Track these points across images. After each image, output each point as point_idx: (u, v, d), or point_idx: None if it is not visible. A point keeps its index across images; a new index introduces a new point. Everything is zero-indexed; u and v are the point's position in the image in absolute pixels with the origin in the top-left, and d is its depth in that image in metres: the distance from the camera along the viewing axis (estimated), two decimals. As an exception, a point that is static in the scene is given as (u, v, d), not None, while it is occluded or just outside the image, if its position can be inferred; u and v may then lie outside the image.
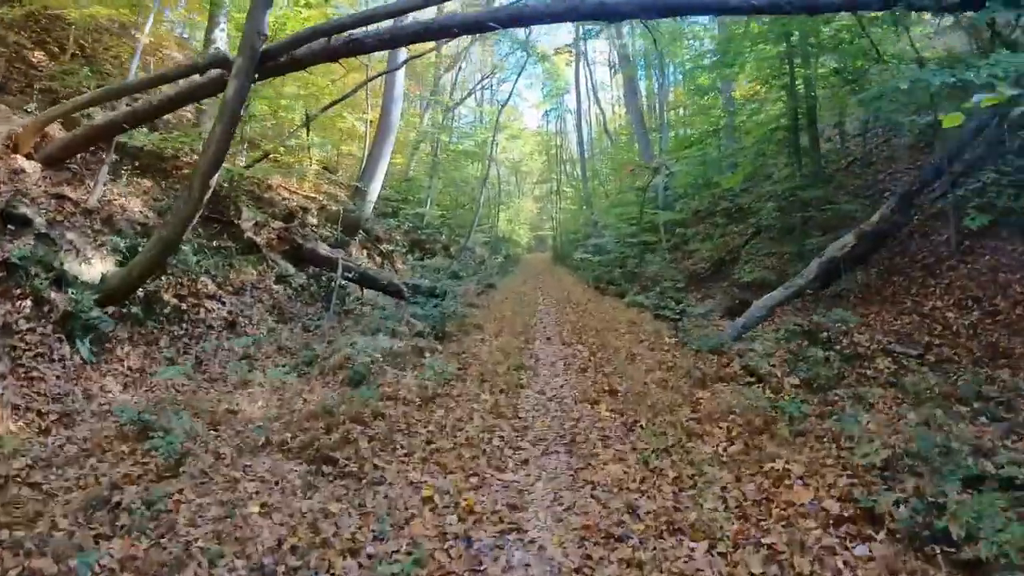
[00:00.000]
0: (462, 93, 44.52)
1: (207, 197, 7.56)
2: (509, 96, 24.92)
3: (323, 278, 13.61)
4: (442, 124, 26.07)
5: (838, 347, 7.49)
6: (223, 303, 10.87)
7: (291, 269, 13.16)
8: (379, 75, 16.04)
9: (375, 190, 16.44)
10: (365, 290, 13.68)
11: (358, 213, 16.11)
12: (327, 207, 16.84)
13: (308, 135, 15.56)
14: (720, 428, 5.45)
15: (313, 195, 17.13)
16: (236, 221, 12.43)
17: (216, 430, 5.54)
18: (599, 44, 46.37)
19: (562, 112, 47.07)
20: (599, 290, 17.36)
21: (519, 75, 25.16)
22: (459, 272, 22.47)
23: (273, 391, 7.72)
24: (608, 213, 24.63)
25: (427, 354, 8.24)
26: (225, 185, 12.79)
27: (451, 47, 29.97)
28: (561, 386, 7.14)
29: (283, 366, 9.51)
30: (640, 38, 24.15)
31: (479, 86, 44.98)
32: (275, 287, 12.37)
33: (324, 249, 13.52)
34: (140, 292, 8.53)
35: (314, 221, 16.48)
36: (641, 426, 5.56)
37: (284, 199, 15.68)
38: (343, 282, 13.36)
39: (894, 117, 11.65)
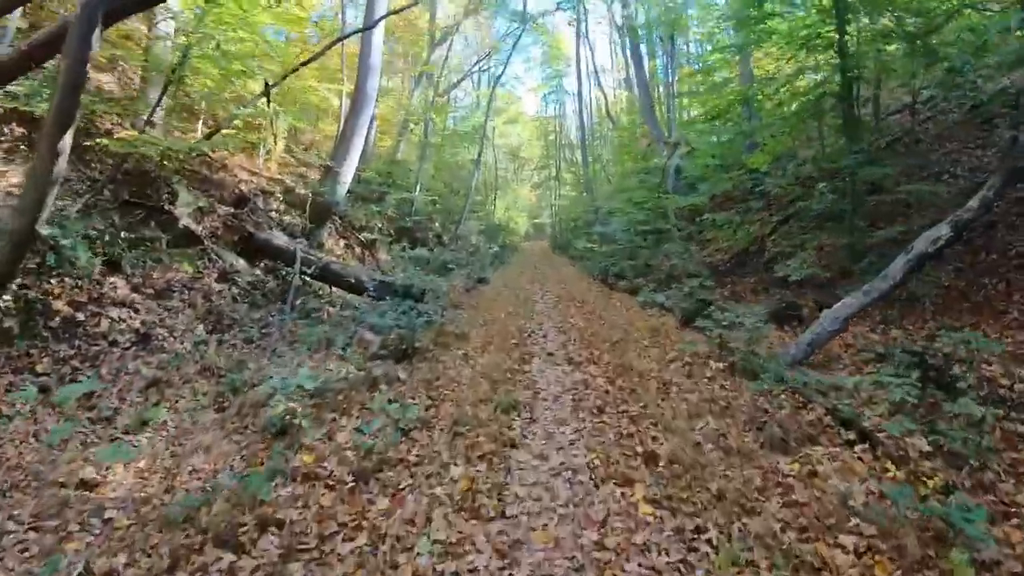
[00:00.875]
0: (457, 76, 42.09)
1: (60, 168, 5.18)
2: (504, 68, 22.48)
3: (281, 274, 11.28)
4: (432, 103, 23.56)
5: (965, 383, 5.14)
6: (136, 310, 8.54)
7: (240, 263, 10.82)
8: (352, 33, 13.55)
9: (349, 171, 14.03)
10: (336, 288, 11.36)
11: (329, 197, 13.71)
12: (294, 190, 14.44)
13: (269, 106, 13.11)
14: (844, 550, 3.13)
15: (278, 177, 14.72)
16: (167, 207, 10.04)
17: (37, 529, 3.28)
18: (600, 26, 43.81)
19: (561, 96, 44.54)
20: (606, 284, 15.03)
21: (515, 44, 22.67)
22: (449, 263, 20.10)
23: (173, 440, 5.49)
24: (614, 198, 22.26)
25: (383, 386, 5.90)
26: (166, 164, 10.47)
27: (443, 18, 27.42)
28: (572, 443, 4.79)
29: (202, 395, 7.25)
30: (648, 3, 21.64)
31: (475, 68, 42.46)
32: (215, 286, 10.03)
33: (280, 239, 11.15)
34: (9, 300, 6.25)
35: (279, 207, 14.10)
36: (712, 545, 3.23)
37: (241, 181, 13.27)
38: (304, 278, 11.02)
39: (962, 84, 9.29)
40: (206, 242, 10.49)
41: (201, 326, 9.03)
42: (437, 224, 25.85)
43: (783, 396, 5.50)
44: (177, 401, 7.13)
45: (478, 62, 42.33)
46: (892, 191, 9.31)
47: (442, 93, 36.26)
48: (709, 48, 24.79)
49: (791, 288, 10.55)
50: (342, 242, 16.81)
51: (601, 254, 17.15)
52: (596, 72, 37.15)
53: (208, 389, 7.22)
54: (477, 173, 19.16)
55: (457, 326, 8.93)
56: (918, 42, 9.75)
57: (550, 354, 7.67)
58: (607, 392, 6.01)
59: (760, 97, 13.22)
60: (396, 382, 6.06)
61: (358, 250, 17.51)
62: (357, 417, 5.15)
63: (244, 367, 7.73)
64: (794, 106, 12.38)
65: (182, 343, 8.41)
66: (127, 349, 7.93)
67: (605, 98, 36.34)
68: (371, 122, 21.53)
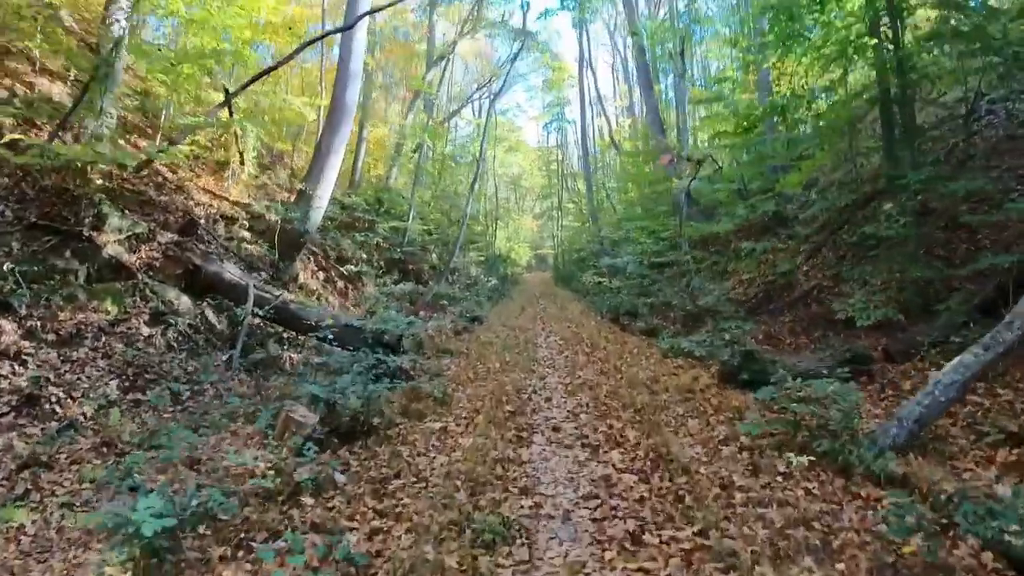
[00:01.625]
0: (458, 104, 40.79)
1: None
2: (503, 83, 20.81)
3: (233, 314, 9.39)
4: (428, 125, 21.94)
5: None
6: (25, 363, 6.67)
7: (183, 301, 8.94)
8: (328, 33, 11.92)
9: (325, 194, 12.25)
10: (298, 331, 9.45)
11: (301, 225, 11.90)
12: (264, 217, 12.63)
13: (232, 118, 11.40)
14: None
15: (245, 201, 12.93)
16: (87, 232, 8.21)
17: None
18: (602, 52, 42.71)
19: (563, 125, 43.15)
20: (617, 324, 13.09)
21: (515, 58, 21.07)
22: (442, 298, 18.20)
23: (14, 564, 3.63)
24: (622, 227, 20.49)
25: (308, 497, 3.93)
26: (94, 181, 8.70)
27: (443, 43, 26.03)
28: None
29: (89, 483, 5.50)
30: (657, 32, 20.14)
31: (476, 95, 41.20)
32: (145, 330, 8.15)
33: (232, 272, 9.28)
34: None
35: (245, 234, 12.28)
36: None
37: (198, 204, 11.48)
38: (256, 320, 9.13)
39: None
40: (140, 275, 8.64)
41: (115, 382, 7.13)
42: (434, 255, 24.06)
43: (911, 519, 3.53)
44: (54, 492, 5.22)
45: (479, 89, 41.16)
46: (956, 212, 7.44)
47: (442, 120, 34.96)
48: (721, 66, 23.31)
49: (842, 331, 8.67)
50: (321, 275, 14.97)
51: (610, 289, 15.25)
52: (600, 98, 35.76)
53: (100, 475, 5.32)
54: (471, 199, 17.39)
55: (437, 385, 6.97)
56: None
57: (556, 428, 5.69)
58: (641, 500, 4.05)
59: (790, 110, 11.46)
60: (332, 488, 4.09)
61: (341, 284, 15.66)
62: (251, 564, 3.18)
63: (158, 438, 5.81)
64: (831, 117, 10.62)
65: (82, 406, 6.51)
66: (2, 416, 6.04)
67: (609, 125, 34.90)
68: (360, 145, 19.94)
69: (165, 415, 6.88)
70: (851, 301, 8.18)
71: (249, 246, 12.43)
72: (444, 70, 23.67)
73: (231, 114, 11.04)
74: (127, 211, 9.36)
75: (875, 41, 9.20)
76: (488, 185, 42.40)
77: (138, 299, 8.43)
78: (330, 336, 7.64)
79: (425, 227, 22.77)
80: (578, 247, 35.16)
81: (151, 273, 8.96)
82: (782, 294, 12.26)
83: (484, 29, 22.72)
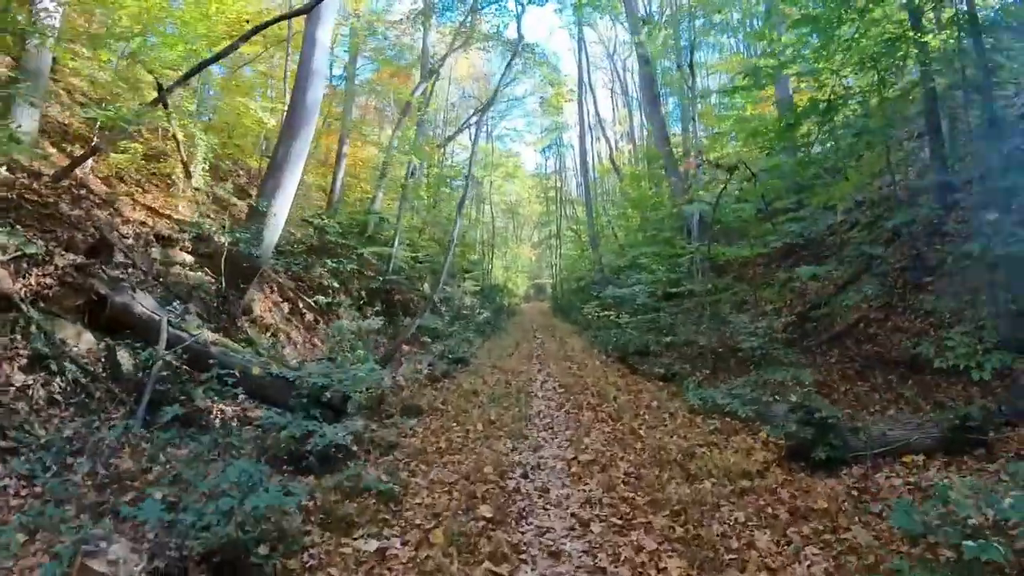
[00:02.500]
0: (453, 129, 39.31)
1: None
2: (495, 94, 19.02)
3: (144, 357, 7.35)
4: (416, 142, 20.16)
5: None
6: None
7: (84, 340, 6.94)
8: (285, 16, 10.11)
9: (282, 212, 10.33)
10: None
11: (253, 247, 9.95)
12: (213, 238, 10.69)
13: (171, 121, 9.56)
14: None
15: (196, 220, 10.99)
16: (-62, 251, 6.25)
17: None
18: (602, 76, 41.42)
19: (561, 150, 41.67)
20: (627, 365, 11.07)
21: (509, 63, 19.29)
22: (428, 329, 16.17)
23: None
24: (626, 254, 18.59)
25: None
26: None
27: (433, 48, 24.43)
28: None
29: None
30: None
31: (472, 120, 39.74)
32: (18, 378, 6.11)
33: (145, 305, 7.27)
34: None
35: (186, 258, 10.34)
36: None
37: (126, 221, 9.54)
38: (167, 363, 7.10)
39: None
40: (24, 306, 6.65)
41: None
42: (426, 285, 22.10)
43: None
44: None
45: (475, 114, 39.69)
46: None
47: (437, 146, 33.39)
48: (731, 79, 21.62)
49: (909, 375, 6.74)
50: (286, 306, 12.98)
51: (616, 324, 13.22)
52: (600, 121, 34.24)
53: None
54: (459, 220, 15.47)
55: (387, 469, 4.92)
56: None
57: (555, 553, 3.64)
58: None
59: (833, 109, 9.60)
60: None
61: (311, 317, 13.66)
62: None
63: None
64: (878, 118, 8.76)
65: None
66: None
67: (610, 148, 33.28)
68: (339, 162, 18.13)
69: (19, 499, 4.85)
70: (950, 340, 6.18)
71: (191, 273, 10.48)
72: (433, 85, 21.95)
73: (169, 114, 9.17)
74: (18, 225, 7.41)
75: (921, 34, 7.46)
76: (484, 212, 40.80)
77: (17, 336, 6.43)
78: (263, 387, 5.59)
79: (413, 254, 20.86)
80: (578, 276, 33.28)
81: (42, 304, 6.98)
82: (819, 329, 10.33)
83: (478, 42, 20.97)
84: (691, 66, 17.57)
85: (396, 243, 19.18)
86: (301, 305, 13.50)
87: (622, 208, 28.77)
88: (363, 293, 17.01)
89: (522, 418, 7.09)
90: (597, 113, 35.08)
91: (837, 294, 10.62)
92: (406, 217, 25.02)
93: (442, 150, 33.48)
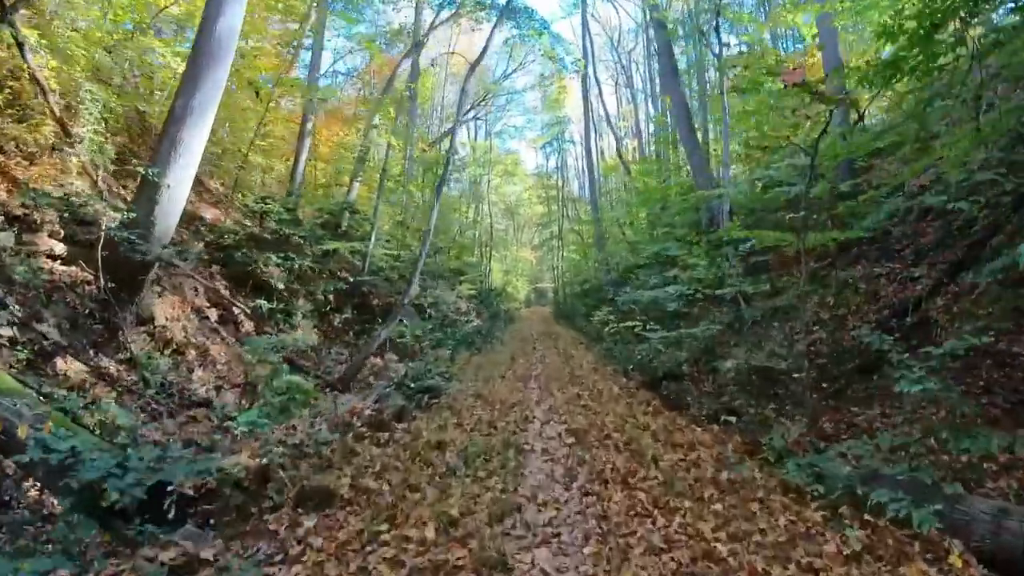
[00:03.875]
0: (448, 125, 36.38)
1: None
2: (485, 49, 15.81)
3: None
4: (397, 123, 17.17)
5: None
6: None
7: None
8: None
9: (182, 181, 7.33)
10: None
11: (145, 230, 6.97)
12: (96, 221, 7.69)
13: (22, 51, 6.60)
14: None
15: (79, 198, 7.97)
16: None
17: None
18: (604, 74, 38.43)
19: (563, 146, 38.52)
20: (657, 394, 8.03)
21: (495, 25, 16.14)
22: (406, 340, 13.16)
23: None
24: (642, 251, 15.57)
25: None
26: None
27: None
28: None
29: None
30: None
31: (469, 116, 36.85)
32: None
33: None
34: None
35: (55, 247, 7.35)
36: None
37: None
38: None
39: None
40: None
41: None
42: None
43: None
44: None
45: (471, 108, 36.74)
46: None
47: (431, 143, 30.42)
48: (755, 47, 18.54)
49: None
50: (214, 312, 9.99)
51: (636, 335, 10.12)
52: (606, 114, 31.25)
53: None
54: (437, 206, 12.39)
55: None
56: None
57: None
58: None
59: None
60: None
61: (250, 327, 10.66)
62: None
63: None
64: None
65: None
66: None
67: (616, 141, 30.26)
68: (302, 141, 15.14)
69: None
70: None
71: (61, 267, 7.49)
72: (417, 56, 18.95)
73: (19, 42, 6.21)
74: None
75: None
76: (482, 213, 37.82)
77: None
78: None
79: (394, 252, 17.83)
80: (582, 279, 30.30)
81: None
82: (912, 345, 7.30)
83: (470, 11, 17.97)
84: (716, 28, 14.59)
85: (372, 238, 16.18)
86: (237, 311, 10.49)
87: (631, 203, 25.82)
88: (329, 296, 14.00)
89: (506, 511, 4.03)
90: (603, 103, 32.10)
91: (933, 295, 7.63)
92: (389, 211, 22.12)
93: (436, 147, 30.58)
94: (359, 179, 17.41)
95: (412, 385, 7.14)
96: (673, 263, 11.06)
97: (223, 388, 7.88)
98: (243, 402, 7.29)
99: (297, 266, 11.43)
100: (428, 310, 19.15)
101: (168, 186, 7.11)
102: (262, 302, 10.58)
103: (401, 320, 11.64)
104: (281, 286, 11.07)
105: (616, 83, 37.97)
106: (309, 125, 14.63)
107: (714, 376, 7.45)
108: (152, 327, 8.16)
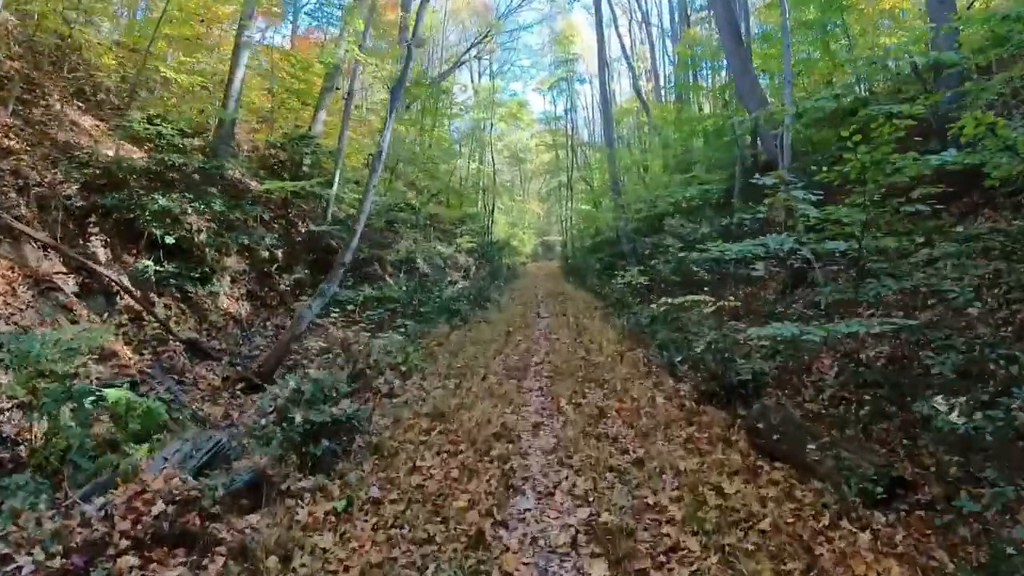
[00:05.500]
0: (448, 66, 32.28)
1: None
2: None
3: None
4: (365, 38, 13.43)
5: None
6: None
7: None
8: None
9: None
10: None
11: None
12: None
13: None
14: None
15: None
16: None
17: None
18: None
19: (572, 89, 34.07)
20: (721, 408, 4.77)
21: None
22: (349, 307, 9.93)
23: None
24: (674, 194, 12.05)
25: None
26: None
27: None
28: None
29: None
30: None
31: (471, 54, 32.68)
32: None
33: None
34: None
35: None
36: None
37: None
38: None
39: None
40: None
41: None
42: (404, 244, 15.64)
43: None
44: None
45: (472, 46, 32.51)
46: None
47: (429, 84, 26.31)
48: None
49: None
50: (72, 282, 6.76)
51: (707, 324, 6.62)
52: (622, 45, 27.03)
53: None
54: (392, 119, 8.78)
55: None
56: None
57: None
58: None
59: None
60: None
61: (128, 303, 7.41)
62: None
63: None
64: None
65: None
66: None
67: (634, 77, 26.12)
68: (239, 53, 11.46)
69: None
70: None
71: None
72: None
73: None
74: None
75: None
76: (486, 161, 33.99)
77: None
78: None
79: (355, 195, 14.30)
80: (593, 231, 26.70)
81: None
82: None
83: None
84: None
85: (337, 178, 12.72)
86: (107, 280, 7.17)
87: (653, 145, 22.02)
88: (277, 252, 10.67)
89: None
90: (618, 34, 27.73)
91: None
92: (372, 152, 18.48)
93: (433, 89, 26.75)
94: (323, 107, 13.82)
95: (301, 425, 3.76)
96: (720, 208, 7.70)
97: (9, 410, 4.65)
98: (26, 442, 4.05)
99: (220, 211, 8.04)
100: (398, 273, 15.81)
101: None
102: (146, 263, 7.27)
103: (337, 283, 8.31)
104: (204, 238, 7.74)
105: (630, 20, 33.49)
106: (247, 33, 10.94)
107: (859, 404, 4.09)
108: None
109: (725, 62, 15.39)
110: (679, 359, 5.92)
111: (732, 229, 7.79)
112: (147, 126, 7.77)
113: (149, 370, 6.65)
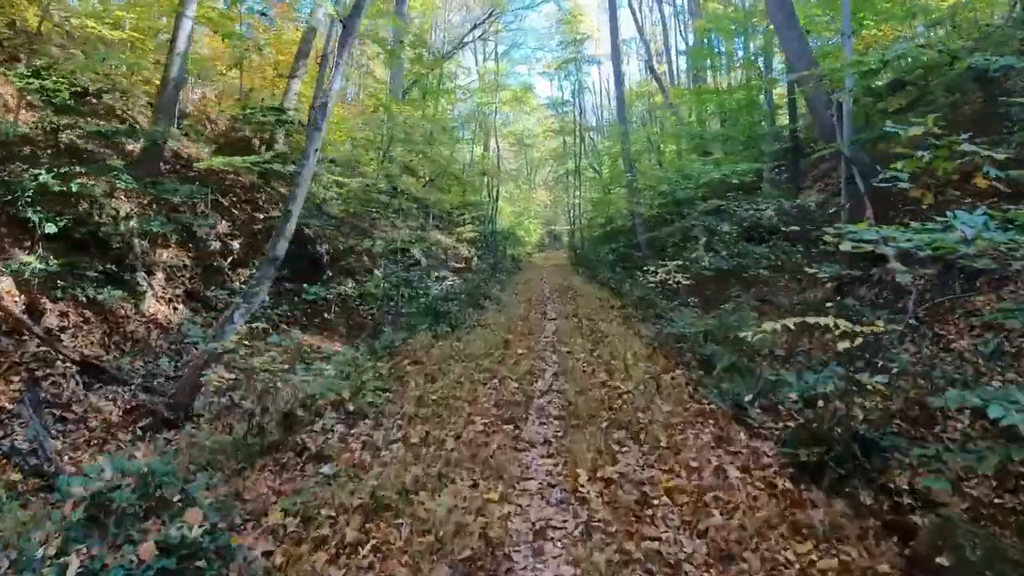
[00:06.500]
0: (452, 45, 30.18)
1: None
2: None
3: None
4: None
5: None
6: None
7: None
8: None
9: None
10: None
11: None
12: None
13: None
14: None
15: None
16: None
17: None
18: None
19: (581, 71, 31.79)
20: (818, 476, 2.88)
21: None
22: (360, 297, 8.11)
23: None
24: (696, 177, 10.08)
25: None
26: None
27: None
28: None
29: None
30: None
31: (475, 34, 30.50)
32: None
33: None
34: None
35: None
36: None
37: None
38: None
39: None
40: None
41: None
42: (400, 232, 13.66)
43: None
44: None
45: (476, 26, 30.35)
46: None
47: (432, 64, 24.19)
48: None
49: None
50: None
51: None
52: (635, 19, 24.77)
53: None
54: (336, 83, 6.76)
55: None
56: None
57: None
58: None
59: None
60: None
61: (18, 301, 5.55)
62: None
63: None
64: None
65: None
66: None
67: (649, 54, 23.96)
68: (187, 4, 9.48)
69: None
70: None
71: None
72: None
73: None
74: None
75: None
76: (490, 148, 31.96)
77: None
78: None
79: (353, 180, 12.36)
80: (602, 221, 24.64)
81: None
82: None
83: None
84: None
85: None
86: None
87: (673, 122, 19.89)
88: (228, 243, 8.77)
89: None
90: (632, 9, 25.42)
91: None
92: (366, 136, 16.48)
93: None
94: (299, 76, 11.86)
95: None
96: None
97: None
98: None
99: (156, 194, 6.14)
100: (418, 258, 14.07)
101: None
102: (28, 259, 5.38)
103: (262, 286, 6.41)
104: (134, 225, 5.86)
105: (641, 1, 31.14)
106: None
107: None
108: None
109: (761, 27, 13.28)
110: (748, 398, 4.01)
111: (794, 213, 5.82)
112: (29, 80, 5.83)
113: (13, 405, 4.81)
